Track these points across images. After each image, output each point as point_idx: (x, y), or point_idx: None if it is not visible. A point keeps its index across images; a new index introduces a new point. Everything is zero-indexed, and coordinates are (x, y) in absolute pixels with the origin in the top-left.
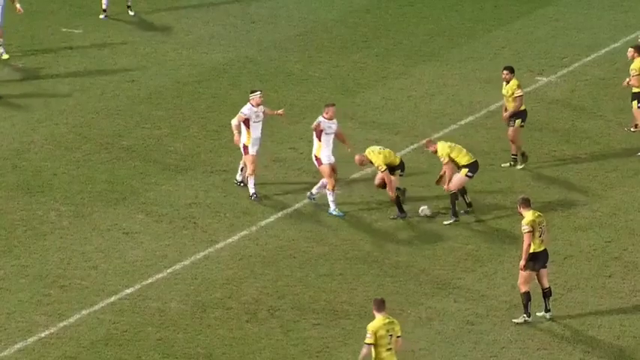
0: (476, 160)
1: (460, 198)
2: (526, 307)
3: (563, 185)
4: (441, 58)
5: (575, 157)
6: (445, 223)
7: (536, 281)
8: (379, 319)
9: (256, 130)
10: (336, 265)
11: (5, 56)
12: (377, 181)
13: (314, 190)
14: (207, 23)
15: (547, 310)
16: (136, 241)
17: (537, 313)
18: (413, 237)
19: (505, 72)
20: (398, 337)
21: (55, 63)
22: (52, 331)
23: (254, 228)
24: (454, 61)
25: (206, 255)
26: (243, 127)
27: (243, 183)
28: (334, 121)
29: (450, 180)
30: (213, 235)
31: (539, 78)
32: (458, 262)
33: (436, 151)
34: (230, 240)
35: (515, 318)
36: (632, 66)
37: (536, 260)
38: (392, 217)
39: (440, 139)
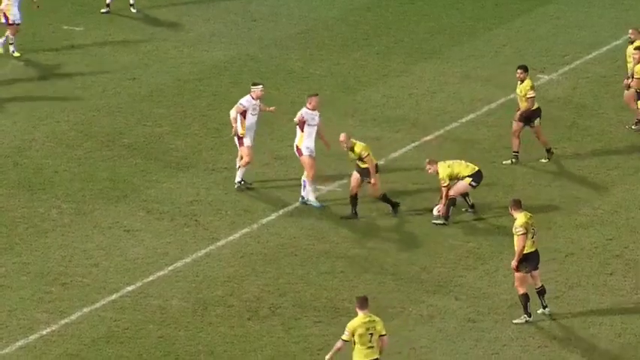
0: (479, 170)
1: (462, 199)
2: (525, 307)
3: (565, 183)
4: (441, 56)
5: (577, 154)
6: (434, 221)
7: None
8: (359, 318)
9: (252, 122)
10: (337, 262)
11: (16, 54)
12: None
13: (303, 194)
14: (208, 21)
15: (544, 307)
16: (137, 239)
17: (537, 311)
18: (414, 235)
19: (519, 71)
20: (382, 335)
21: (57, 60)
22: (53, 328)
23: (255, 225)
24: (455, 59)
25: (207, 252)
26: (239, 118)
27: (244, 181)
28: (317, 112)
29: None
30: (215, 233)
31: (540, 76)
32: (459, 260)
33: (437, 173)
34: (231, 237)
35: (516, 318)
36: (637, 69)
37: (529, 261)
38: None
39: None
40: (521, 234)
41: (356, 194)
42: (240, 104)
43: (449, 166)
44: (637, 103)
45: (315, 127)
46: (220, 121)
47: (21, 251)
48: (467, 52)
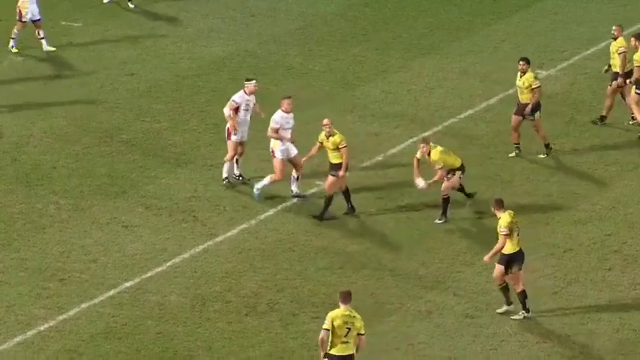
0: (462, 163)
1: (459, 192)
2: (524, 304)
3: (563, 178)
4: (440, 52)
5: (575, 150)
6: (437, 221)
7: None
8: (340, 310)
9: (244, 118)
10: (335, 258)
11: (15, 50)
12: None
13: (293, 189)
14: (206, 16)
15: (527, 311)
16: (135, 235)
17: (513, 317)
18: (412, 231)
19: (521, 63)
20: (360, 334)
21: (55, 56)
22: (51, 324)
23: (253, 221)
24: (454, 55)
25: (205, 248)
26: (232, 114)
27: (242, 176)
28: (291, 114)
29: (442, 183)
30: (213, 229)
31: (538, 71)
32: (457, 256)
33: (429, 153)
34: (229, 233)
35: (514, 314)
36: (635, 56)
37: (513, 262)
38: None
39: (435, 139)
40: (505, 234)
41: (332, 196)
42: (233, 101)
43: (442, 152)
44: (626, 99)
45: (290, 130)
46: (219, 117)
47: (19, 247)
48: (465, 47)
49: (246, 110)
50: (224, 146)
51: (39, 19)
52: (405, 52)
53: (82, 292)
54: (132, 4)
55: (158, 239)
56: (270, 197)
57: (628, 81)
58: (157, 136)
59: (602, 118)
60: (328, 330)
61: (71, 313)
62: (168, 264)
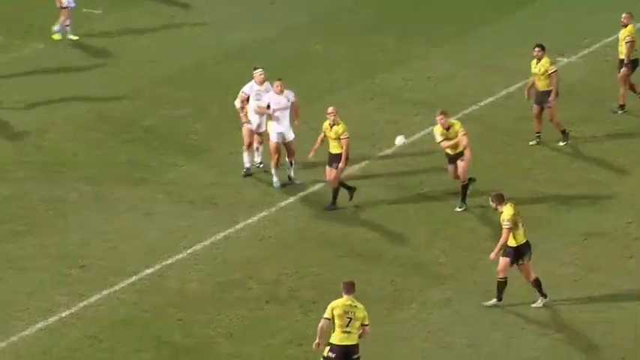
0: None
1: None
2: (540, 291)
3: (583, 166)
4: (460, 40)
5: (595, 137)
6: (457, 209)
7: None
8: (341, 299)
9: (255, 108)
10: (355, 246)
11: (74, 37)
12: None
13: (291, 174)
14: (227, 4)
15: (544, 296)
16: (155, 222)
17: (533, 305)
18: (432, 218)
19: (537, 49)
20: (364, 325)
21: (76, 44)
22: (72, 310)
23: (274, 209)
24: (474, 42)
25: (226, 235)
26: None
27: (263, 164)
28: (283, 96)
29: (464, 169)
30: (234, 216)
31: (560, 59)
32: (477, 244)
33: (449, 127)
34: (250, 220)
35: (534, 302)
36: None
37: (522, 254)
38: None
39: (457, 118)
40: (508, 228)
41: (339, 187)
42: (242, 92)
43: (461, 126)
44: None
45: (286, 112)
46: None
47: (40, 234)
48: (486, 35)
49: (257, 100)
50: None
51: (73, 6)
52: (425, 40)
53: (103, 279)
54: None
55: (178, 226)
56: (289, 185)
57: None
58: (177, 123)
59: (622, 107)
60: (328, 319)
61: (92, 299)
62: (188, 251)
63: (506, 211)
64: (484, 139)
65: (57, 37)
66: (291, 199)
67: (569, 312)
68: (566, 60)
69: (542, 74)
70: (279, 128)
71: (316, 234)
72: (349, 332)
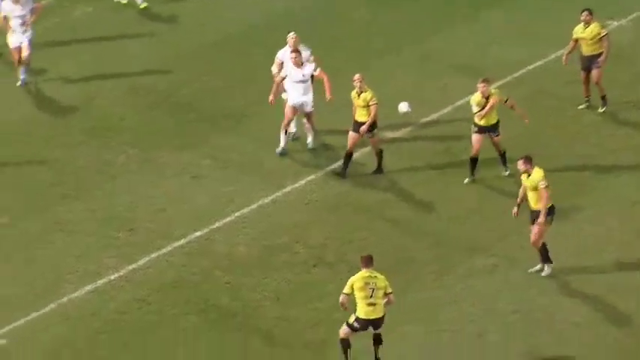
0: None
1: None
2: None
3: (630, 132)
4: (508, 3)
5: None
6: (504, 174)
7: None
8: (360, 273)
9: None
10: (402, 210)
11: (143, 5)
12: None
13: (308, 140)
14: None
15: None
16: (203, 186)
17: (530, 270)
18: (479, 184)
19: (585, 13)
20: (388, 293)
21: (123, 9)
22: (121, 273)
23: (320, 173)
24: (522, 6)
25: (273, 199)
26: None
27: (297, 135)
28: (301, 69)
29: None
30: (281, 180)
31: (609, 22)
32: (524, 210)
33: (489, 96)
34: (297, 184)
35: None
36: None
37: (552, 213)
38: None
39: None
40: (546, 186)
41: (352, 153)
42: (277, 57)
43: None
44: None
45: (302, 84)
46: None
47: (88, 197)
48: None
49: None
50: None
51: None
52: (472, 2)
53: (151, 242)
54: None
55: (226, 191)
56: (336, 150)
57: None
58: (225, 88)
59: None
60: (348, 295)
61: (140, 262)
62: (236, 214)
63: (538, 173)
64: (533, 103)
65: (143, 5)
66: (338, 164)
67: (616, 278)
68: (615, 23)
69: (592, 39)
70: (294, 94)
71: (363, 198)
72: (374, 304)
